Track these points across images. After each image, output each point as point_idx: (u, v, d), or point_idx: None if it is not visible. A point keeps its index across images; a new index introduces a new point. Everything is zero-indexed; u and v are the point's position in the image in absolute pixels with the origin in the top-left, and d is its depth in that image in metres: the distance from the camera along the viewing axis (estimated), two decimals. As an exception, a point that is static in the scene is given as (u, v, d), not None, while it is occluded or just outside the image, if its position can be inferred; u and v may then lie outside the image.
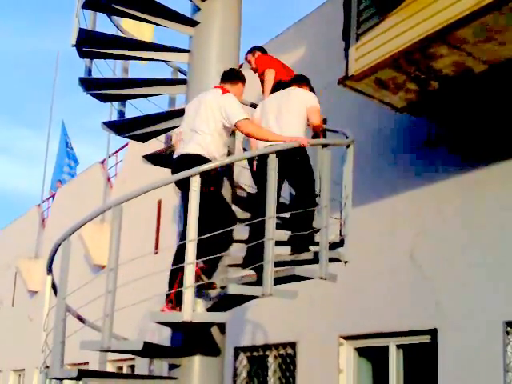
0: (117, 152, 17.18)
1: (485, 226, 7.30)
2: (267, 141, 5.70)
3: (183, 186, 5.32)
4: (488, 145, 7.47)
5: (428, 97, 7.52)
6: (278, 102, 6.31)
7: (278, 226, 5.69)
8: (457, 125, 7.83)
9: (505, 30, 6.41)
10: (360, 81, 7.55)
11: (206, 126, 5.56)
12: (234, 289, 5.14)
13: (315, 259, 5.54)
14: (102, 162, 17.41)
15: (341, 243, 5.84)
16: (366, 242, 8.39)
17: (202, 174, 5.07)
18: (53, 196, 20.98)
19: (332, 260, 5.58)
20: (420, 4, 6.95)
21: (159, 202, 13.87)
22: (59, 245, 5.40)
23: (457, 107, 7.59)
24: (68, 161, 21.73)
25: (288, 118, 6.15)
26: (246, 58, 7.54)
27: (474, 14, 6.38)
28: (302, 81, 6.68)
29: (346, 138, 6.19)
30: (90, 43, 6.35)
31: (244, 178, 7.20)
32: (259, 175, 5.88)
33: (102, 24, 6.71)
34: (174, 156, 5.76)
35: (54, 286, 5.78)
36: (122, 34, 6.94)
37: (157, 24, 6.28)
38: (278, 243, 5.35)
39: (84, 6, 6.21)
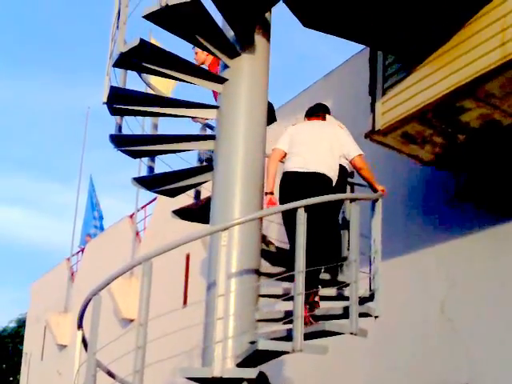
0: (145, 206, 17.31)
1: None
2: (370, 180, 6.04)
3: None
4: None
5: (455, 150, 7.53)
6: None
7: None
8: (485, 178, 7.80)
9: (531, 83, 6.45)
10: (387, 135, 7.61)
11: (331, 154, 5.96)
12: (263, 344, 5.12)
13: (345, 314, 5.51)
14: (131, 216, 17.54)
15: (371, 298, 5.80)
16: (396, 295, 8.31)
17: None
18: (82, 250, 21.12)
19: (362, 315, 5.54)
20: (446, 58, 7.02)
21: (187, 256, 13.90)
22: (89, 300, 5.43)
23: (484, 160, 7.58)
24: (96, 214, 21.95)
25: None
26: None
27: (500, 67, 6.43)
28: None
29: (374, 191, 6.19)
30: (120, 101, 6.48)
31: (272, 231, 7.23)
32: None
33: (131, 80, 6.87)
34: (291, 170, 5.93)
35: (83, 341, 5.79)
36: (150, 90, 7.08)
37: (187, 81, 6.39)
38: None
39: (115, 65, 6.36)
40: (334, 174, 5.95)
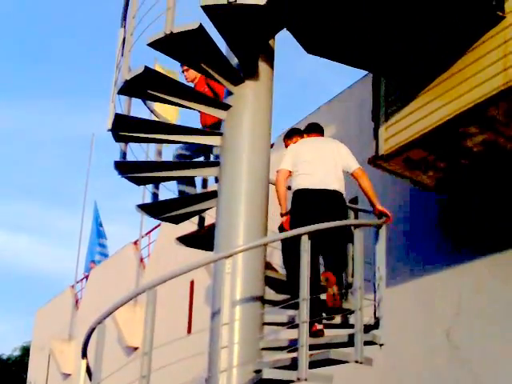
0: (149, 232, 17.29)
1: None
2: (369, 194, 6.01)
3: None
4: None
5: (459, 176, 7.53)
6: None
7: None
8: (490, 203, 7.78)
9: (534, 108, 6.45)
10: (390, 160, 7.61)
11: (337, 169, 6.07)
12: (268, 373, 5.08)
13: (350, 342, 5.46)
14: (135, 243, 17.51)
15: (376, 325, 5.75)
16: (402, 322, 8.25)
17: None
18: (86, 277, 21.07)
19: (367, 343, 5.49)
20: (449, 84, 7.04)
21: (192, 283, 13.85)
22: (93, 329, 5.40)
23: (488, 184, 7.57)
24: (100, 240, 21.93)
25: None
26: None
27: (502, 93, 6.45)
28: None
29: (379, 218, 6.17)
30: (125, 127, 6.49)
31: (276, 258, 7.19)
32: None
33: (135, 106, 6.89)
34: (306, 187, 5.96)
35: (88, 370, 5.75)
36: (154, 117, 7.10)
37: (191, 108, 6.41)
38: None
39: (120, 92, 6.38)
40: (343, 189, 6.11)
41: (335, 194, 5.99)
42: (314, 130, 6.55)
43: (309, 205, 5.94)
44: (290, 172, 6.12)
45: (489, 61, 6.63)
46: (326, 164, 6.08)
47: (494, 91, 6.51)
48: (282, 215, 6.03)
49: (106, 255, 21.37)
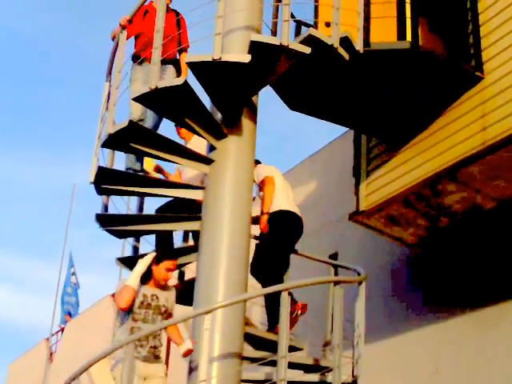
0: (128, 284, 17.11)
1: (504, 364, 7.14)
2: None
3: None
4: (501, 281, 7.43)
5: (439, 233, 7.59)
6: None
7: None
8: (470, 260, 7.83)
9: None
10: (370, 216, 7.68)
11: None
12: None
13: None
14: (113, 295, 17.31)
15: (354, 383, 5.71)
16: (380, 380, 8.19)
17: None
18: (62, 329, 20.76)
19: (345, 400, 5.44)
20: (428, 142, 7.16)
21: (168, 337, 13.67)
22: (69, 384, 5.30)
23: (467, 243, 7.63)
24: (68, 290, 21.68)
25: None
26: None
27: (480, 152, 6.56)
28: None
29: (358, 274, 6.18)
30: (107, 181, 6.48)
31: (256, 314, 7.17)
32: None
33: (118, 159, 6.91)
34: (287, 209, 6.42)
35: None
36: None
37: (174, 162, 6.44)
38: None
39: (103, 145, 6.39)
40: None
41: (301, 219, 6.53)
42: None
43: (292, 227, 6.44)
44: None
45: (468, 120, 6.77)
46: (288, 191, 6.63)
47: (472, 150, 6.62)
48: (263, 213, 6.42)
49: (76, 307, 21.03)
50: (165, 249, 5.91)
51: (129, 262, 6.98)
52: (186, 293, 6.51)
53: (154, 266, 5.56)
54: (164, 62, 6.19)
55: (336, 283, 5.82)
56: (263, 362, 5.47)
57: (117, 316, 5.63)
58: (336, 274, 6.81)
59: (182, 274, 7.16)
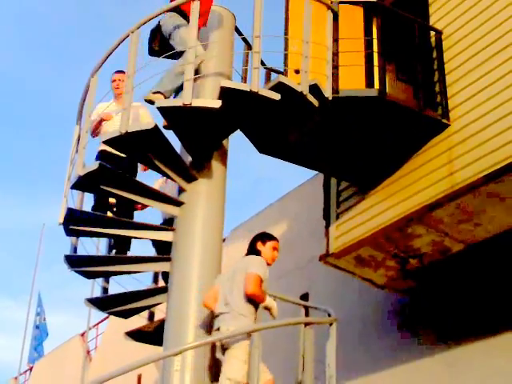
0: (97, 324, 16.97)
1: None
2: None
3: None
4: (469, 321, 7.51)
5: (408, 274, 7.66)
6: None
7: None
8: (438, 302, 7.91)
9: (479, 212, 6.66)
10: (340, 258, 7.73)
11: None
12: None
13: None
14: (82, 335, 17.14)
15: (324, 426, 5.70)
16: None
17: None
18: (31, 369, 20.44)
19: None
20: (398, 186, 7.26)
21: (139, 377, 13.55)
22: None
23: (436, 285, 7.70)
24: (38, 332, 21.40)
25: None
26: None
27: (449, 196, 6.66)
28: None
29: (329, 315, 6.19)
30: (76, 222, 6.48)
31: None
32: None
33: (87, 200, 6.91)
34: None
35: None
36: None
37: (143, 204, 6.47)
38: None
39: (73, 187, 6.41)
40: None
41: None
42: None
43: None
44: None
45: (435, 165, 6.88)
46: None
47: (440, 194, 6.73)
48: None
49: (40, 348, 20.67)
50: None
51: (98, 303, 6.96)
52: (156, 334, 6.49)
53: (261, 247, 5.62)
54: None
55: (306, 324, 5.83)
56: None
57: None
58: (307, 314, 6.81)
59: (151, 315, 7.13)
